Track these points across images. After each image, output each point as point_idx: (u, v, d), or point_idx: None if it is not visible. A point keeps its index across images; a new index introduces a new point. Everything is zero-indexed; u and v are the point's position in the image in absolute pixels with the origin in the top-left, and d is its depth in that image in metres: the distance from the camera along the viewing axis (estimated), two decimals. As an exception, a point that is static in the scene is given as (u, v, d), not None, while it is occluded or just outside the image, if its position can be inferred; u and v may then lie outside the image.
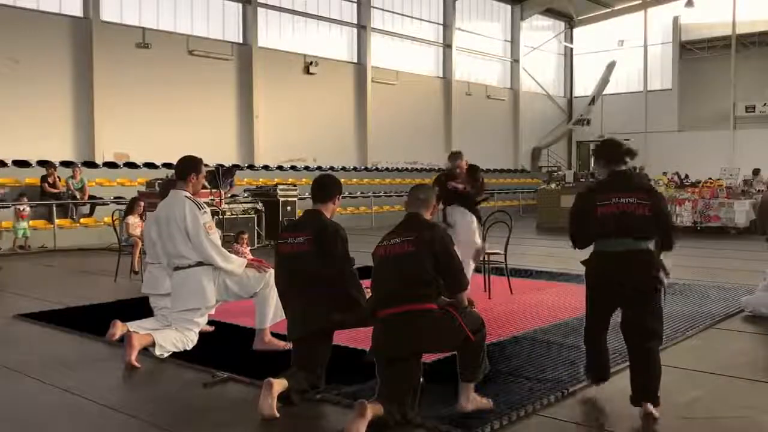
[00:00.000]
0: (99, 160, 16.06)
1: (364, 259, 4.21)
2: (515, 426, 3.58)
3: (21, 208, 12.76)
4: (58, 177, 13.94)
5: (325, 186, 4.28)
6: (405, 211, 3.91)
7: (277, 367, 4.01)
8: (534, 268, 9.28)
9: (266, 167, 19.22)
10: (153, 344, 4.79)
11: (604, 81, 29.17)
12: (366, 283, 4.20)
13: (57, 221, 13.41)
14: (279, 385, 3.71)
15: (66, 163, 14.73)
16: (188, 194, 4.92)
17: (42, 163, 14.50)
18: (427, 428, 3.51)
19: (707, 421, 3.66)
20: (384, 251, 3.71)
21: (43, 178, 13.80)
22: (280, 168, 19.53)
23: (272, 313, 4.96)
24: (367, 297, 4.07)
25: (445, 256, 3.61)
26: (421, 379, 4.14)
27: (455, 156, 7.26)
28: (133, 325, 5.01)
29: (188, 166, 5.03)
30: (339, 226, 4.14)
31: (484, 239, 7.22)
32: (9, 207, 12.97)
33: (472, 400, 3.67)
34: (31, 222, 13.25)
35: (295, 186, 14.62)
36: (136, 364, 4.67)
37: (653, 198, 3.73)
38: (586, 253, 3.85)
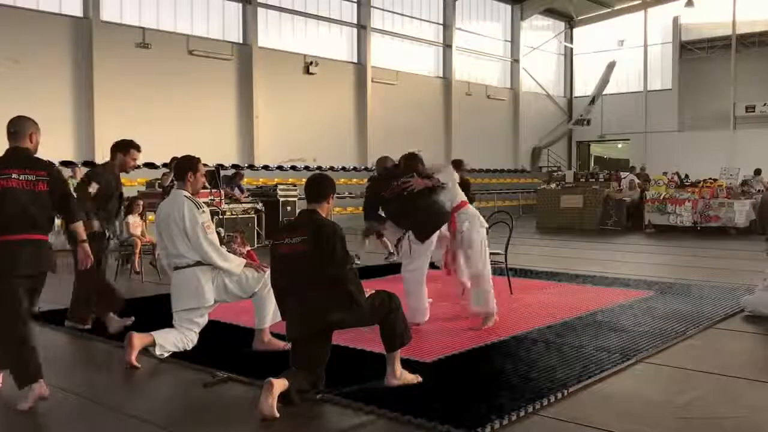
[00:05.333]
0: (99, 160, 16.05)
1: (364, 258, 4.19)
2: (515, 426, 3.58)
3: None
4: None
5: (319, 185, 4.27)
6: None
7: (277, 367, 4.01)
8: (534, 268, 9.27)
9: (266, 167, 19.21)
10: (153, 344, 4.79)
11: (604, 81, 29.15)
12: (365, 283, 4.20)
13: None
14: (279, 385, 3.71)
15: (66, 163, 14.72)
16: (187, 194, 4.94)
17: (42, 163, 14.46)
18: (427, 428, 3.50)
19: (707, 421, 3.66)
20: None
21: (45, 177, 13.74)
22: (280, 168, 19.51)
23: (272, 313, 4.96)
24: (367, 296, 4.07)
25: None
26: (420, 379, 4.16)
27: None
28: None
29: (185, 165, 5.06)
30: (336, 225, 4.13)
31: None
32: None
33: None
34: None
35: (295, 186, 14.60)
36: (136, 364, 4.66)
37: None
38: None
